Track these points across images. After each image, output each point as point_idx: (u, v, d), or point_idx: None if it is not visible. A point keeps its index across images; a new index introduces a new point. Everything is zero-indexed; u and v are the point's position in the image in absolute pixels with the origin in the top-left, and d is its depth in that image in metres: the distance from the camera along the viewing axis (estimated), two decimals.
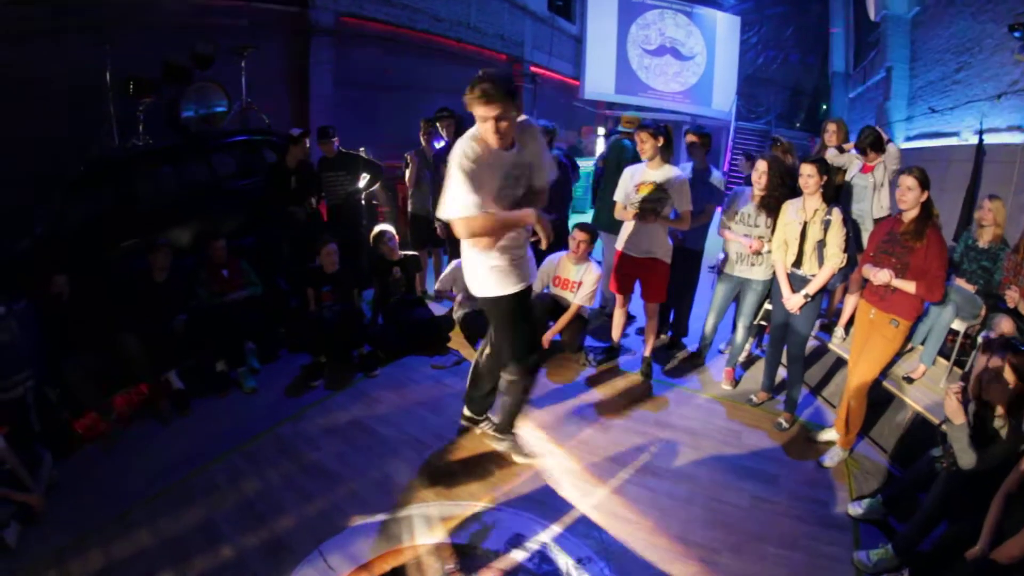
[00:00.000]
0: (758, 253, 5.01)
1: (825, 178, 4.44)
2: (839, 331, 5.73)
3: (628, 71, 18.77)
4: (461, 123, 6.82)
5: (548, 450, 4.33)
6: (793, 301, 4.57)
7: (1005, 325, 4.36)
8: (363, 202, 7.17)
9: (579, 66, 18.33)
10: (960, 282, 5.06)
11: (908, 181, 3.93)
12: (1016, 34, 7.27)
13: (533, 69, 16.06)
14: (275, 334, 5.76)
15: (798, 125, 20.03)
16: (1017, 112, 7.67)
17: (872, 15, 13.89)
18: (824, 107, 19.49)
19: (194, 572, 3.12)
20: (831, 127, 6.01)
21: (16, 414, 4.04)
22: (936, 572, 3.03)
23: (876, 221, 5.26)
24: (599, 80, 18.38)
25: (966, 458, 3.19)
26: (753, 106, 20.38)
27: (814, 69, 20.38)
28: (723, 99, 19.63)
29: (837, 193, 5.51)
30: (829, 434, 4.69)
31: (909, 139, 11.73)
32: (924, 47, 11.61)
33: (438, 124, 6.80)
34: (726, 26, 19.62)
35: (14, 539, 3.32)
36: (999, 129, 8.04)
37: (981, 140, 8.10)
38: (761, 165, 4.90)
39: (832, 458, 4.43)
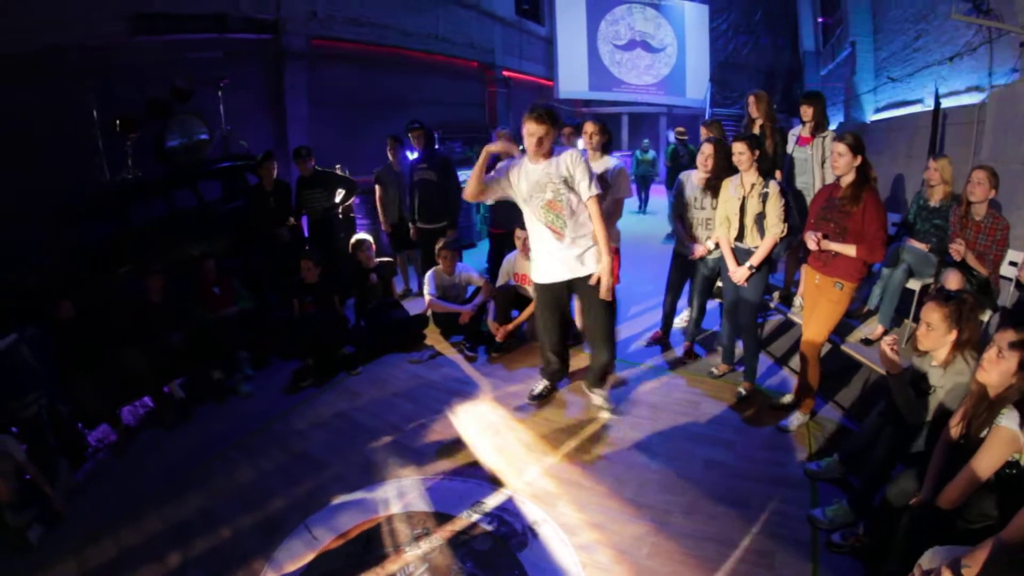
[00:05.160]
0: (702, 258, 5.39)
1: (757, 153, 4.62)
2: (798, 300, 5.94)
3: (600, 67, 19.15)
4: (431, 135, 7.28)
5: (509, 426, 4.73)
6: (739, 274, 4.74)
7: (952, 278, 4.45)
8: (340, 215, 7.58)
9: (551, 67, 18.70)
10: (912, 242, 5.18)
11: (839, 147, 4.05)
12: None
13: (505, 74, 16.36)
14: (266, 343, 6.18)
15: (774, 107, 20.14)
16: (974, 73, 7.74)
17: None
18: (797, 88, 19.65)
19: (196, 552, 3.52)
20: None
21: (33, 431, 4.41)
22: (890, 524, 3.04)
23: None
24: (572, 79, 18.76)
25: (907, 409, 3.29)
26: (728, 92, 20.58)
27: (785, 51, 20.53)
28: (697, 87, 20.04)
29: (773, 167, 5.75)
30: (790, 397, 4.84)
31: (878, 110, 11.89)
32: (885, 19, 11.78)
33: (409, 135, 7.18)
34: (695, 15, 19.99)
35: (37, 538, 3.70)
36: (958, 91, 8.11)
37: (938, 104, 8.16)
38: (707, 148, 5.16)
39: (792, 422, 4.54)
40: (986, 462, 2.63)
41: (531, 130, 4.15)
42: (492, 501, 3.82)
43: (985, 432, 2.73)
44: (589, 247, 4.40)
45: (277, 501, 3.94)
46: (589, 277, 4.39)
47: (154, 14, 8.34)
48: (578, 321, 5.94)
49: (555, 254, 4.43)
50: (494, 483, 4.01)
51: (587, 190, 4.23)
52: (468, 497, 3.86)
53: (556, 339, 4.87)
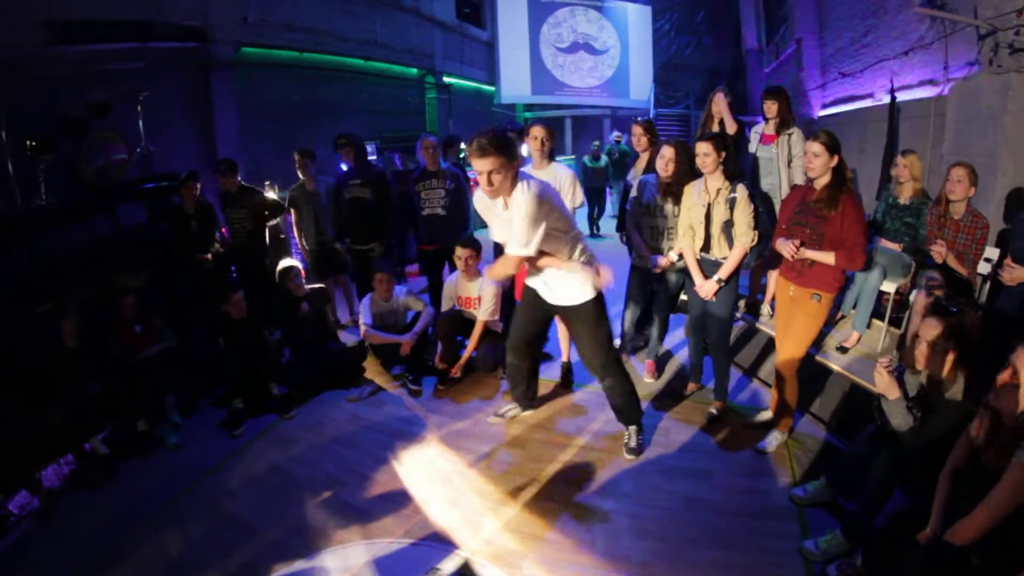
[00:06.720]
0: (664, 270, 5.06)
1: (723, 155, 4.29)
2: (765, 308, 5.77)
3: (543, 71, 18.94)
4: (362, 147, 6.82)
5: (461, 473, 4.37)
6: (706, 288, 4.44)
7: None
8: (267, 239, 7.13)
9: (493, 71, 18.45)
10: (884, 242, 5.06)
11: (814, 147, 3.80)
12: None
13: (446, 80, 16.00)
14: (193, 385, 5.69)
15: None
16: (927, 67, 7.75)
17: None
18: (740, 86, 19.73)
19: None
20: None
21: None
22: (891, 554, 2.88)
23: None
24: (515, 83, 18.54)
25: (906, 433, 3.11)
26: (672, 92, 20.72)
27: (728, 50, 20.65)
28: (641, 89, 20.04)
29: (741, 168, 5.47)
30: (766, 415, 4.64)
31: (826, 106, 12.00)
32: (831, 15, 11.83)
33: (340, 151, 6.69)
34: (637, 17, 19.93)
35: None
36: (911, 85, 8.15)
37: (893, 98, 8.29)
38: (667, 152, 4.76)
39: (771, 443, 4.36)
40: (1009, 498, 2.41)
41: (477, 167, 3.39)
42: (447, 566, 3.47)
43: (1002, 462, 2.50)
44: (576, 285, 4.00)
45: None
46: (573, 306, 4.08)
47: (71, 21, 7.65)
48: (564, 353, 5.66)
49: (538, 283, 4.13)
50: (448, 544, 3.64)
51: (514, 242, 3.53)
52: (420, 563, 3.49)
53: (519, 336, 4.49)
